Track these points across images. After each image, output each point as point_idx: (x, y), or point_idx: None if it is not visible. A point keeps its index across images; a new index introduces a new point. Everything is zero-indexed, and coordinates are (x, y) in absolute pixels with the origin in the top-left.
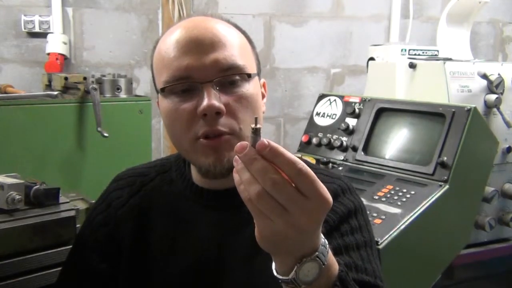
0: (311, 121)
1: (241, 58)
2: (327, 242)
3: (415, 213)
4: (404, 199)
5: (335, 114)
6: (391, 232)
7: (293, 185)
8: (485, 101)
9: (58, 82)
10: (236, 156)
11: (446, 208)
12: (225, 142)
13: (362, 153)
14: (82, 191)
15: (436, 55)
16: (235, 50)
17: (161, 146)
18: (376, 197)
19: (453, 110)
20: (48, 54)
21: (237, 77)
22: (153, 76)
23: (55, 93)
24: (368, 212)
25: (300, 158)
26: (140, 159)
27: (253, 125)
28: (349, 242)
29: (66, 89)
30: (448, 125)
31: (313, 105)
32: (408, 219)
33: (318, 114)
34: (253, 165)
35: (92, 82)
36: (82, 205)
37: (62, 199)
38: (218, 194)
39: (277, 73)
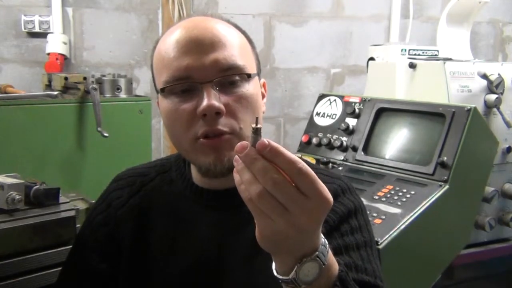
0: (311, 121)
1: (241, 58)
2: (327, 242)
3: (415, 213)
4: (404, 199)
5: (335, 114)
6: (391, 232)
7: (293, 184)
8: (485, 101)
9: (58, 82)
10: (237, 156)
11: (446, 208)
12: (226, 141)
13: (362, 153)
14: (82, 191)
15: (436, 55)
16: (235, 50)
17: (161, 146)
18: (376, 197)
19: (453, 110)
20: (48, 54)
21: (237, 77)
22: (153, 76)
23: (55, 93)
24: (368, 212)
25: (300, 158)
26: (140, 159)
27: (253, 125)
28: (349, 242)
29: (66, 89)
30: (448, 125)
31: (313, 105)
32: (408, 219)
33: (318, 114)
34: (254, 165)
35: (92, 82)
36: (82, 205)
37: (62, 199)
38: (218, 194)
39: (277, 73)
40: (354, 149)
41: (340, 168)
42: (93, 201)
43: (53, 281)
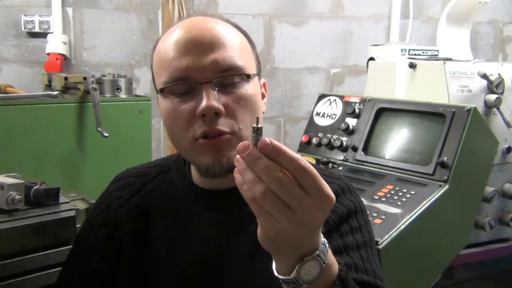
0: (311, 121)
1: (241, 58)
2: (326, 241)
3: (415, 213)
4: (404, 199)
5: (335, 114)
6: (391, 232)
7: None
8: (485, 101)
9: (58, 82)
10: (238, 156)
11: (446, 208)
12: (225, 141)
13: (362, 153)
14: (82, 191)
15: (436, 55)
16: (235, 50)
17: (161, 146)
18: (376, 197)
19: (453, 110)
20: (48, 54)
21: (236, 78)
22: (153, 77)
23: (55, 93)
24: (368, 212)
25: None
26: (140, 159)
27: (254, 125)
28: (349, 242)
29: (66, 89)
30: (448, 125)
31: (313, 105)
32: (408, 219)
33: (318, 114)
34: (257, 164)
35: (92, 82)
36: (82, 205)
37: (62, 199)
38: (218, 194)
39: (277, 73)
40: (354, 149)
41: (340, 168)
42: (93, 201)
43: (53, 281)
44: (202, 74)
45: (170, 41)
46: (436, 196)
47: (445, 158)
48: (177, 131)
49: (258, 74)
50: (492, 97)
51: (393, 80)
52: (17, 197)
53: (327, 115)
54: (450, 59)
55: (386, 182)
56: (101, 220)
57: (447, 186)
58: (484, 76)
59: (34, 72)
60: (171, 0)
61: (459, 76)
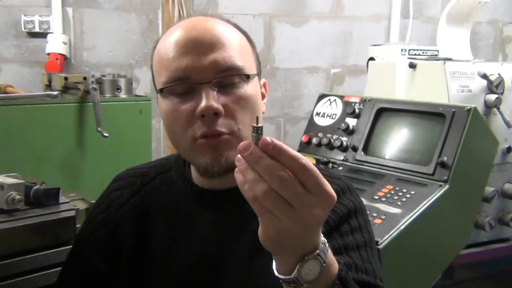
0: (311, 121)
1: (240, 58)
2: (326, 241)
3: (415, 213)
4: (404, 199)
5: (335, 114)
6: (391, 232)
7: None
8: (485, 101)
9: (58, 82)
10: (239, 156)
11: (446, 208)
12: (224, 141)
13: (362, 153)
14: (82, 191)
15: (436, 55)
16: (234, 50)
17: (161, 146)
18: (376, 197)
19: (453, 110)
20: (48, 54)
21: (236, 78)
22: (153, 77)
23: (55, 93)
24: (368, 212)
25: None
26: (140, 159)
27: (254, 124)
28: (349, 242)
29: (66, 89)
30: (448, 125)
31: (313, 105)
32: (408, 219)
33: (318, 114)
34: (259, 164)
35: (92, 82)
36: (82, 205)
37: (62, 199)
38: (218, 194)
39: (277, 73)
40: (354, 149)
41: (340, 168)
42: (93, 201)
43: (53, 281)
44: (201, 74)
45: (170, 41)
46: (436, 196)
47: (445, 158)
48: (177, 131)
49: (258, 74)
50: (492, 97)
51: (393, 80)
52: (17, 197)
53: (327, 115)
54: (450, 59)
55: (386, 182)
56: (101, 220)
57: (447, 186)
58: (484, 76)
59: (34, 72)
60: (171, 0)
61: (459, 76)
